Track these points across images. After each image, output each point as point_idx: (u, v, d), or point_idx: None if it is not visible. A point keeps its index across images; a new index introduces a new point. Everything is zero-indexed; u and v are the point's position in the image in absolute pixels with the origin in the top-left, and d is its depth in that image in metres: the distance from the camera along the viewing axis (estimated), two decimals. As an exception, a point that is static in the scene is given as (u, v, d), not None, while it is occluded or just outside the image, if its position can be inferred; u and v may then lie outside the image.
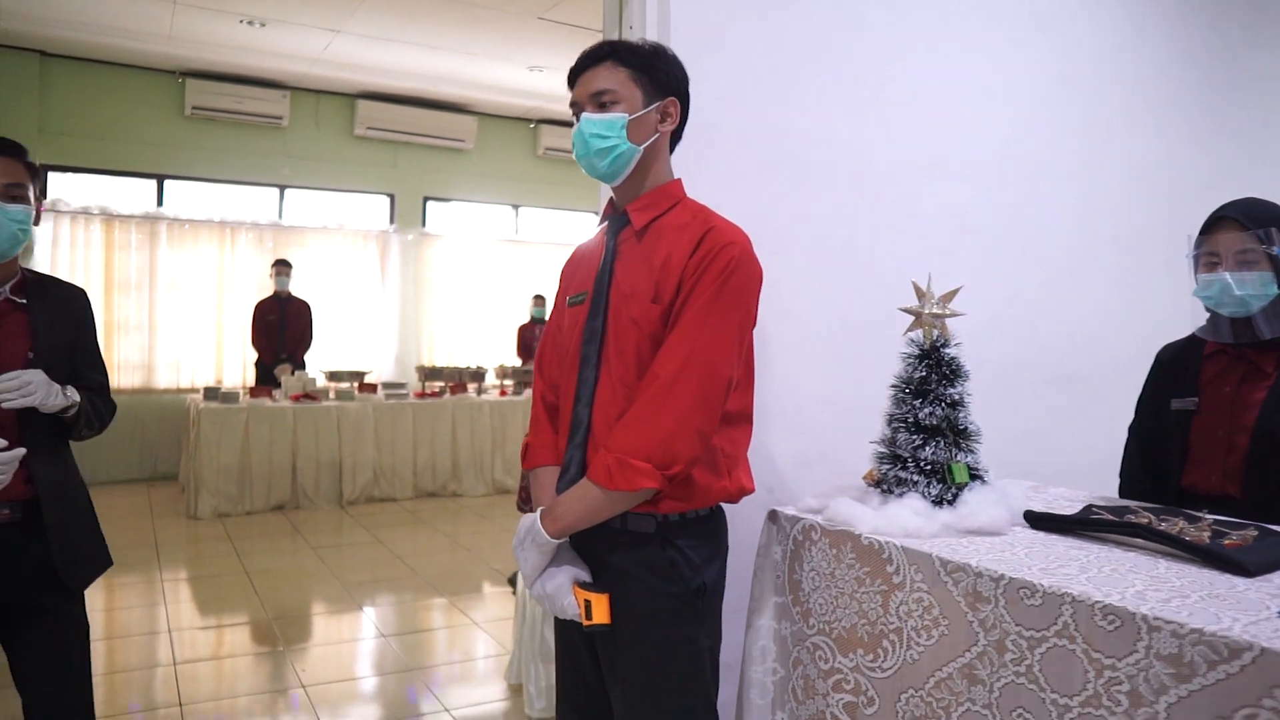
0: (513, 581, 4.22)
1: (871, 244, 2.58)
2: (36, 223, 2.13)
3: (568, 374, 1.74)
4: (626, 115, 1.67)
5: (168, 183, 8.49)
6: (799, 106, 2.48)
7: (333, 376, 7.85)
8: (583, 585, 1.61)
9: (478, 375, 8.20)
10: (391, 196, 9.37)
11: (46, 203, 7.90)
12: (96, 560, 2.25)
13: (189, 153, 8.44)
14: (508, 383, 8.50)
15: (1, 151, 2.06)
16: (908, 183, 2.66)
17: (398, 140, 9.21)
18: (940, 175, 2.72)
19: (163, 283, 8.27)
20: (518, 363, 8.99)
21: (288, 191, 8.94)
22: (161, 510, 7.02)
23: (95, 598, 4.86)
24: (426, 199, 9.53)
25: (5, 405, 1.97)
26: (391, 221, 9.35)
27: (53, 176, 8.11)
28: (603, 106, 1.68)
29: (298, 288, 8.08)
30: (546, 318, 9.04)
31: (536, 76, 8.36)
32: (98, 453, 7.80)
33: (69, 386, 2.09)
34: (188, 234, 8.39)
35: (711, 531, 1.70)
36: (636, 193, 1.74)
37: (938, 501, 1.74)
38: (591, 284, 1.73)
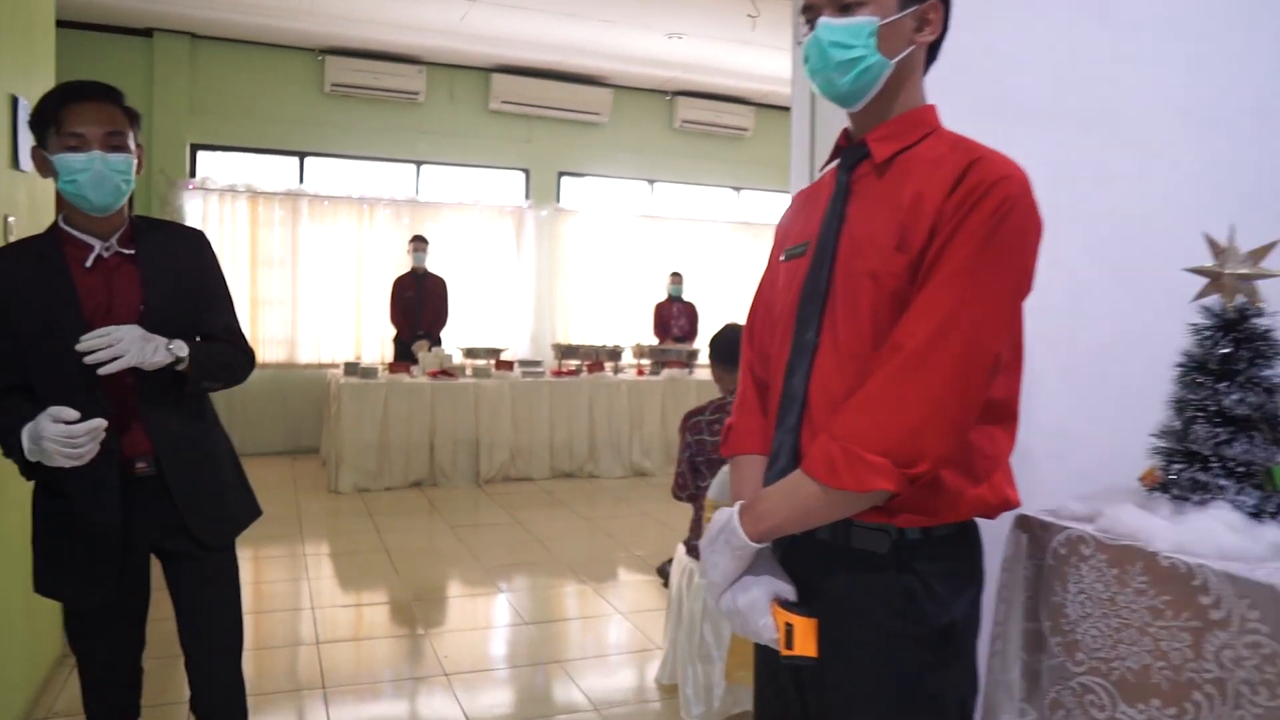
0: (663, 573, 3.95)
1: (1106, 188, 2.17)
2: (138, 172, 2.01)
3: (781, 341, 1.41)
4: (876, 20, 1.30)
5: (308, 160, 8.55)
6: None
7: (469, 353, 7.75)
8: (785, 605, 1.29)
9: (614, 354, 7.97)
10: (526, 172, 9.23)
11: (196, 180, 8.05)
12: (236, 515, 2.18)
13: (328, 130, 8.47)
14: (644, 362, 8.24)
15: (98, 96, 1.93)
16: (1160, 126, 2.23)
17: (532, 114, 9.04)
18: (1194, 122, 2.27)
19: (304, 259, 8.34)
20: (654, 341, 8.73)
21: (424, 167, 8.90)
22: (304, 484, 7.06)
23: (242, 569, 4.85)
24: (561, 174, 9.35)
25: (100, 371, 1.84)
26: (526, 197, 9.21)
27: (201, 155, 8.26)
28: (846, 9, 1.31)
29: (433, 264, 8.01)
30: (683, 295, 8.77)
31: (675, 44, 8.04)
32: (244, 425, 7.92)
33: (175, 340, 1.95)
34: (327, 210, 8.43)
35: (964, 553, 1.35)
36: (879, 119, 1.36)
37: (1256, 513, 1.35)
38: (816, 230, 1.38)
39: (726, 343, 3.28)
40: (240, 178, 8.21)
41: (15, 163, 3.10)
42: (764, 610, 1.28)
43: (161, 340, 1.91)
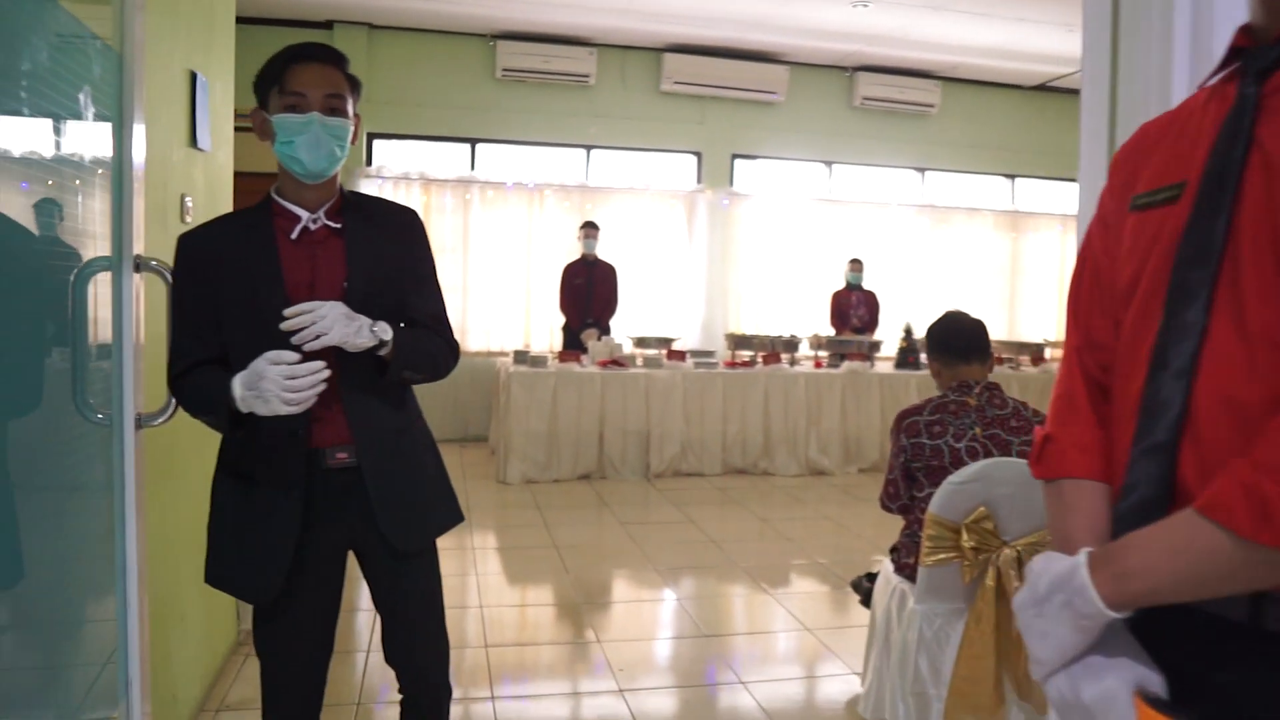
0: (860, 589, 3.55)
1: None
2: (353, 141, 1.92)
3: (1135, 323, 1.02)
4: None
5: (479, 146, 8.51)
6: None
7: (640, 343, 7.51)
8: (1153, 702, 0.89)
9: (791, 345, 7.55)
10: (698, 155, 8.91)
11: (373, 168, 8.13)
12: (434, 519, 2.05)
13: (499, 115, 8.40)
14: (822, 354, 7.78)
15: (321, 58, 1.88)
16: None
17: (705, 95, 8.71)
18: None
19: (474, 246, 8.31)
20: (831, 332, 8.25)
21: (594, 152, 8.72)
22: (472, 473, 6.99)
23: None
24: (735, 157, 8.98)
25: (304, 346, 1.77)
26: (698, 181, 8.90)
27: (377, 144, 8.34)
28: None
29: (603, 250, 7.80)
30: (863, 283, 8.24)
31: (860, 14, 7.52)
32: (416, 414, 7.96)
33: (379, 323, 1.85)
34: (497, 196, 8.37)
35: None
36: None
37: None
38: (1200, 164, 0.98)
39: (949, 332, 2.85)
40: (413, 165, 8.24)
41: (194, 140, 3.00)
42: (1124, 709, 0.90)
43: (365, 321, 1.82)
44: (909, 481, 2.82)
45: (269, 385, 1.73)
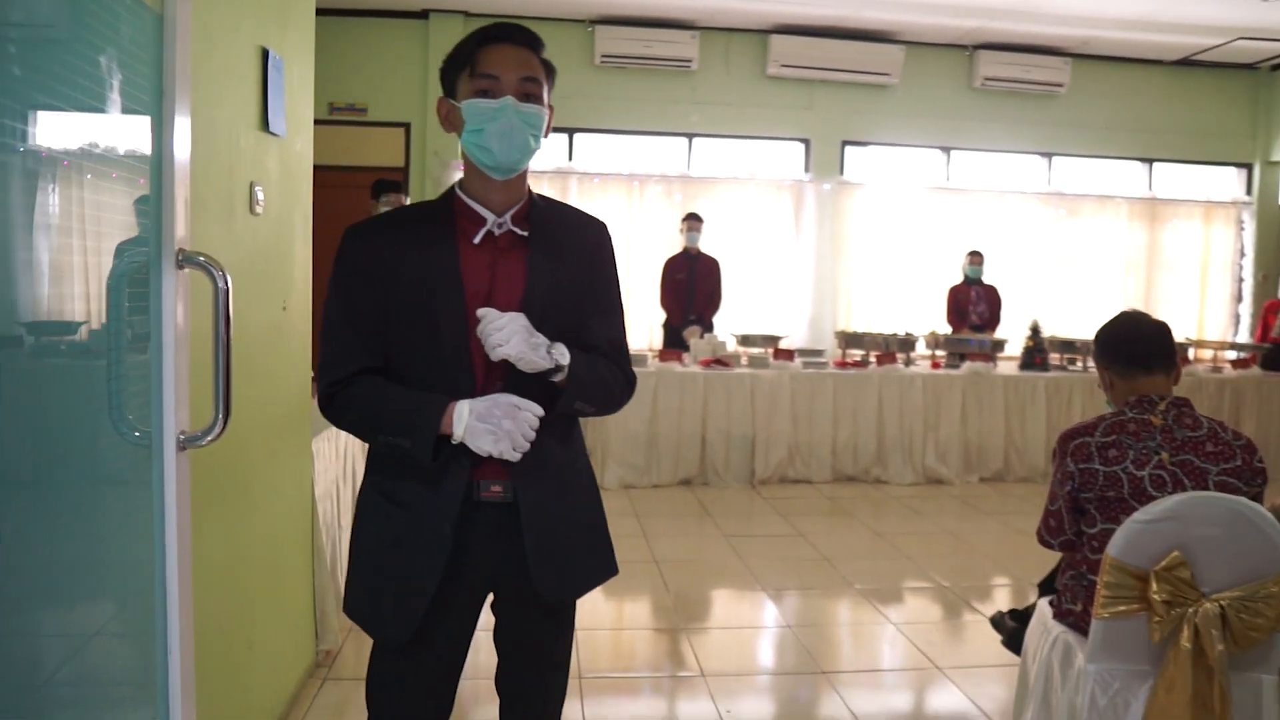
0: (1001, 628, 3.11)
1: None
2: (545, 134, 1.76)
3: None
4: None
5: (577, 136, 8.24)
6: None
7: (744, 341, 7.11)
8: None
9: (907, 344, 7.05)
10: (806, 142, 8.46)
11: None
12: (587, 569, 1.85)
13: (598, 103, 8.10)
14: (940, 354, 7.25)
15: (516, 39, 1.72)
16: None
17: (813, 79, 8.25)
18: None
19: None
20: (948, 330, 7.71)
21: (696, 140, 8.35)
22: (569, 477, 6.70)
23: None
24: (845, 143, 8.49)
25: (494, 354, 1.63)
26: (806, 170, 8.44)
27: (474, 135, 8.14)
28: None
29: (706, 243, 7.44)
30: (983, 278, 7.70)
31: (982, -14, 6.97)
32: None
33: (557, 344, 1.68)
34: (596, 188, 8.08)
35: None
36: None
37: None
38: None
39: (1127, 337, 2.39)
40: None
41: (265, 123, 2.74)
42: None
43: (544, 340, 1.67)
44: (1076, 514, 2.38)
45: (513, 426, 1.63)
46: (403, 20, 7.77)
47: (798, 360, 6.81)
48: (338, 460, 3.73)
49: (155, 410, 1.65)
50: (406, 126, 7.96)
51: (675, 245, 7.53)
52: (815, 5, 7.54)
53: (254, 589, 2.63)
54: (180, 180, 1.66)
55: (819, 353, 7.10)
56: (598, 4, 7.64)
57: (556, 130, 8.09)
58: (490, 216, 1.72)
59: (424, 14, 7.79)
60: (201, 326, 1.76)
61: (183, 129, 1.66)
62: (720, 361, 6.58)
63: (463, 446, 1.65)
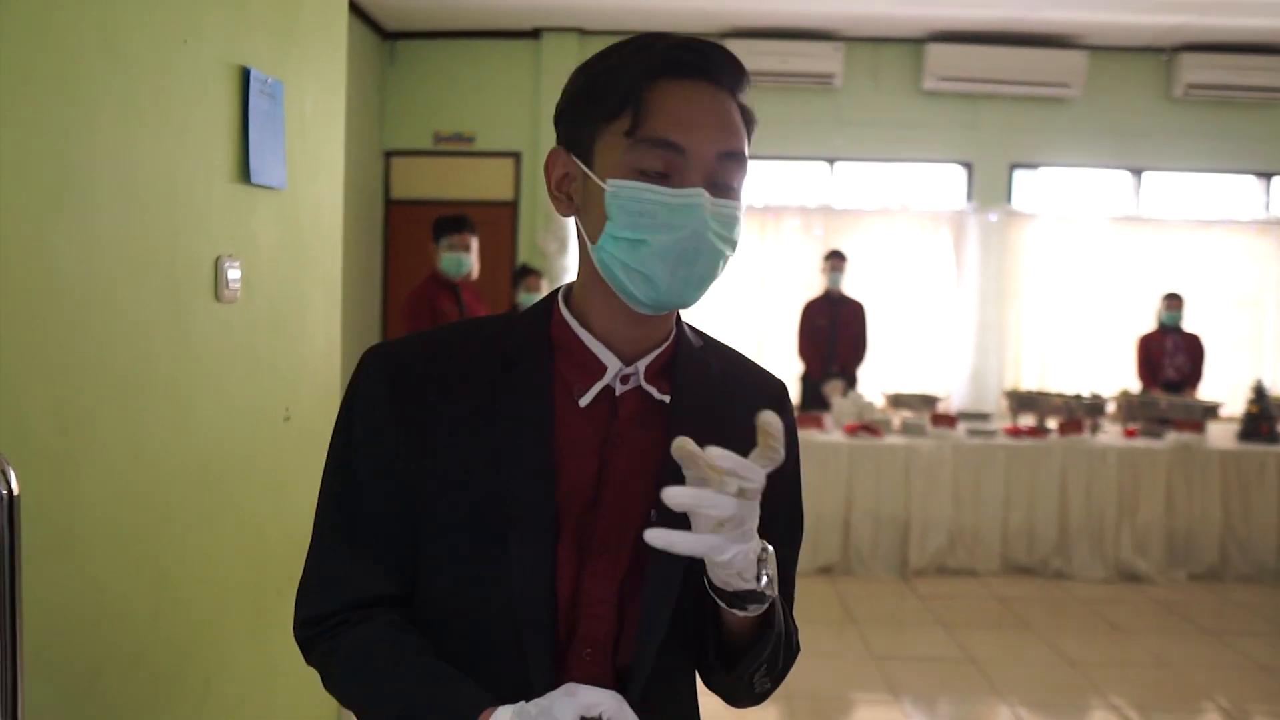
0: None
1: None
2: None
3: None
4: None
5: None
6: None
7: (895, 401, 6.11)
8: None
9: (1094, 408, 5.87)
10: (968, 166, 7.43)
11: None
12: None
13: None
14: (1133, 422, 6.04)
15: (717, 76, 1.02)
16: None
17: (976, 93, 7.22)
18: None
19: (700, 280, 7.21)
20: (1138, 386, 6.50)
21: (839, 166, 7.43)
22: (688, 556, 5.82)
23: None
24: (1014, 166, 7.42)
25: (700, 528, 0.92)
26: (969, 198, 7.40)
27: (590, 163, 7.44)
28: None
29: (850, 284, 6.50)
30: (1181, 324, 6.47)
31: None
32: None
33: (768, 548, 0.98)
34: (726, 222, 7.23)
35: None
36: None
37: None
38: None
39: None
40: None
41: (246, 172, 1.98)
42: None
43: (756, 546, 0.96)
44: None
45: None
46: (512, 41, 7.14)
47: (961, 427, 5.75)
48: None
49: None
50: (517, 156, 7.31)
51: (815, 287, 6.66)
52: (980, 7, 6.53)
53: None
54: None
55: (984, 416, 6.03)
56: (728, 14, 6.86)
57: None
58: (613, 364, 1.06)
59: (535, 33, 7.13)
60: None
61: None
62: (868, 429, 5.59)
63: None
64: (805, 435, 5.48)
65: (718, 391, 1.11)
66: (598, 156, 1.01)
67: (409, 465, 1.03)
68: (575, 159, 1.03)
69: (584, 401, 1.05)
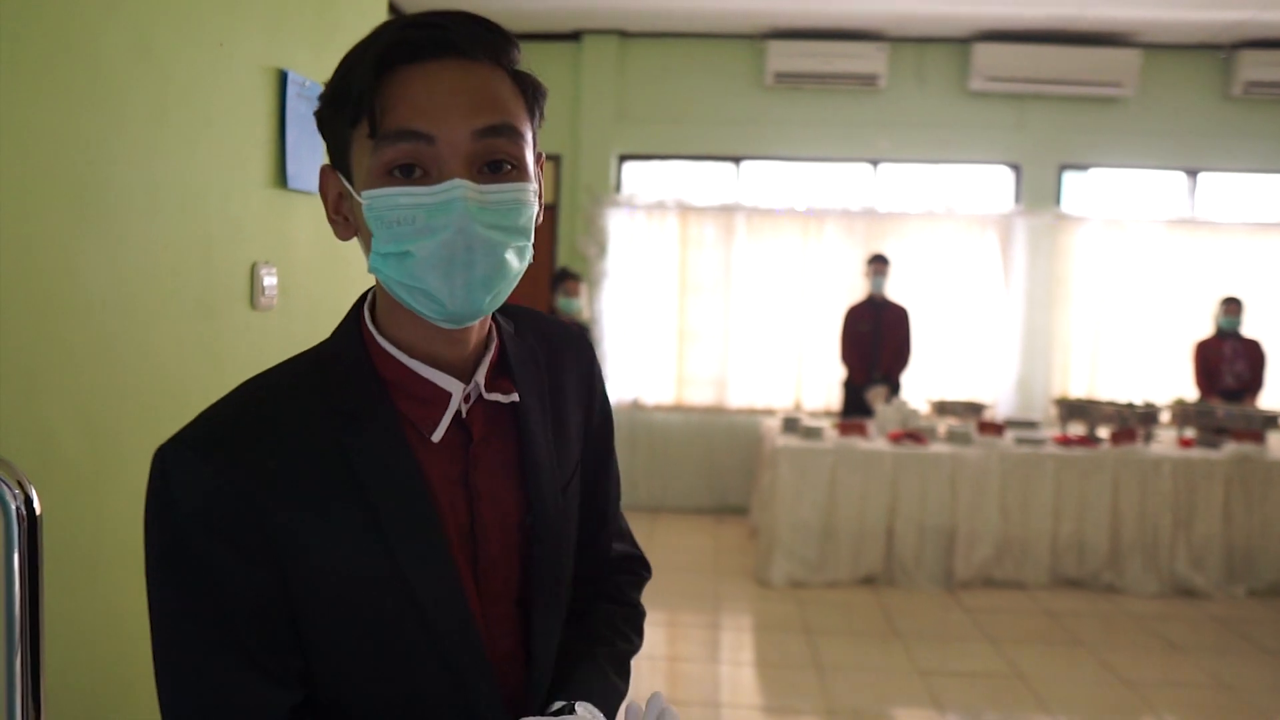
0: None
1: None
2: (537, 221, 0.96)
3: None
4: None
5: (746, 166, 7.30)
6: None
7: (941, 409, 5.97)
8: None
9: (1148, 417, 5.69)
10: (1016, 168, 7.19)
11: (623, 196, 7.12)
12: None
13: (769, 129, 7.13)
14: (1189, 432, 5.85)
15: (460, 48, 0.91)
16: None
17: (1025, 93, 7.00)
18: None
19: (738, 283, 7.07)
20: (1195, 394, 6.29)
21: (883, 168, 7.25)
22: (728, 564, 5.72)
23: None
24: (1064, 168, 7.17)
25: None
26: (1016, 200, 7.16)
27: (628, 166, 7.33)
28: None
29: (893, 289, 6.36)
30: (1240, 330, 6.26)
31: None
32: (664, 477, 6.89)
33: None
34: (766, 224, 7.09)
35: None
36: None
37: None
38: None
39: None
40: (669, 191, 7.15)
41: (283, 178, 1.94)
42: None
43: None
44: None
45: None
46: (552, 43, 7.07)
47: (1009, 435, 5.60)
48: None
49: None
50: (557, 159, 7.25)
51: (858, 291, 6.49)
52: (1029, 5, 6.33)
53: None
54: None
55: (1033, 424, 5.87)
56: (769, 14, 6.68)
57: (722, 159, 7.23)
58: (454, 386, 0.96)
59: (576, 35, 7.06)
60: None
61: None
62: (913, 436, 5.46)
63: None
64: (847, 444, 5.39)
65: (545, 364, 1.06)
66: (354, 168, 0.90)
67: (270, 560, 0.89)
68: (339, 174, 0.93)
69: (437, 436, 0.95)
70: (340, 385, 0.94)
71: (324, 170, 0.95)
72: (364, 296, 1.00)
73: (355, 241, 0.96)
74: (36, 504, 0.96)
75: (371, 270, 0.91)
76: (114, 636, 1.45)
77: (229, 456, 0.88)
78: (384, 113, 0.87)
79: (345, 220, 0.95)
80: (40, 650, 0.98)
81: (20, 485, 0.93)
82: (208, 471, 0.87)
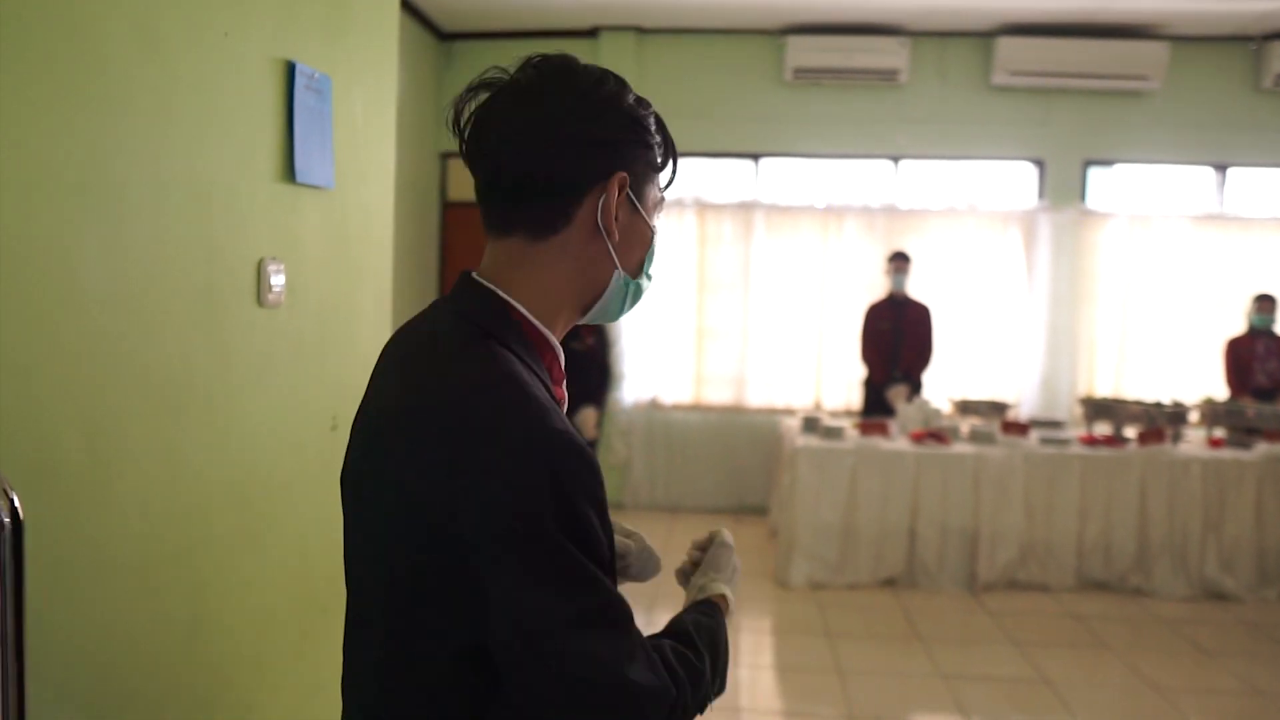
0: None
1: None
2: None
3: None
4: None
5: (764, 163, 7.22)
6: None
7: (963, 408, 5.88)
8: None
9: (1176, 417, 5.58)
10: (1040, 163, 7.08)
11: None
12: None
13: (789, 125, 7.05)
14: (1219, 432, 5.74)
15: None
16: None
17: (1049, 87, 6.88)
18: None
19: (756, 281, 7.00)
20: (1226, 392, 6.17)
21: (903, 164, 7.15)
22: (745, 564, 5.57)
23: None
24: (1088, 163, 7.05)
25: None
26: (1040, 197, 7.04)
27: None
28: None
29: (915, 286, 6.26)
30: (1274, 327, 6.14)
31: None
32: (683, 478, 6.85)
33: None
34: (785, 222, 7.01)
35: None
36: None
37: None
38: None
39: None
40: (687, 188, 7.08)
41: (291, 172, 1.90)
42: None
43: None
44: None
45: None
46: (570, 40, 7.00)
47: (1033, 436, 5.51)
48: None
49: None
50: (573, 156, 7.20)
51: (878, 289, 6.40)
52: (1054, -1, 6.24)
53: None
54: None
55: (1058, 424, 5.78)
56: (788, 9, 6.61)
57: (740, 156, 7.17)
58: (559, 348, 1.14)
59: (593, 31, 7.01)
60: None
61: None
62: (935, 436, 5.38)
63: None
64: (868, 444, 5.31)
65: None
66: (645, 198, 1.10)
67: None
68: (630, 193, 1.08)
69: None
70: (533, 368, 1.05)
71: (622, 181, 1.07)
72: (485, 307, 1.07)
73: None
74: (20, 511, 0.91)
75: (629, 280, 1.11)
76: (115, 644, 1.41)
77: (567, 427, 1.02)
78: (671, 183, 1.16)
79: (617, 223, 1.08)
80: (24, 659, 0.94)
81: (4, 492, 0.89)
82: (575, 458, 0.97)
